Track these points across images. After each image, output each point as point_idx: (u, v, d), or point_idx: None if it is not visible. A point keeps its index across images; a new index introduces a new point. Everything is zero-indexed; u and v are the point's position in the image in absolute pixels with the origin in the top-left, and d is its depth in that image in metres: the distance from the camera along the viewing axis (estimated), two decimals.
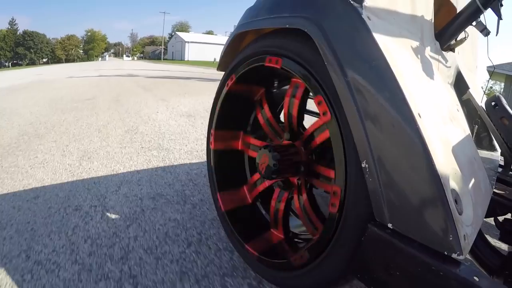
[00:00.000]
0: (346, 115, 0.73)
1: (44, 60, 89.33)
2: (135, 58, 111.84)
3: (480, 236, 1.00)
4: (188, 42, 73.12)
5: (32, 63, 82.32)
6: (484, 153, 1.24)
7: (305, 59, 0.86)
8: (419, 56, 0.88)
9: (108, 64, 34.75)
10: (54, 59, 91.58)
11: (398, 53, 0.76)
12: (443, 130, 0.76)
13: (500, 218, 1.03)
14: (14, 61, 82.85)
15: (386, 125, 0.67)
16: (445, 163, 0.67)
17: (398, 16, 0.89)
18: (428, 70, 0.88)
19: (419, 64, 0.86)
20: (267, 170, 0.98)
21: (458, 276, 0.58)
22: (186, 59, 69.06)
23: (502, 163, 1.16)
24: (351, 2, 0.75)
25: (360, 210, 0.74)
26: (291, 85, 1.08)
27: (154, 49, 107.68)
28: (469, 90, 1.12)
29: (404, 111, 0.65)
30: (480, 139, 1.19)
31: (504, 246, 1.29)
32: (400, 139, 0.66)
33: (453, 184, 0.67)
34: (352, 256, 0.77)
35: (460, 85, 1.30)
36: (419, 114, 0.66)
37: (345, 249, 0.78)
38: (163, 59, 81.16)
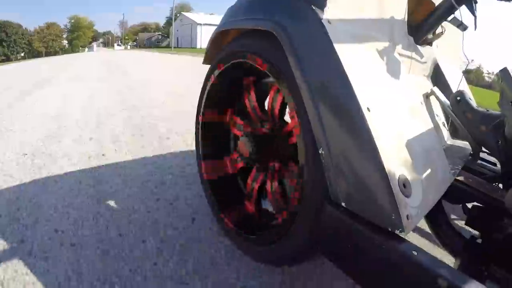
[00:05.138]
0: (305, 106, 1.01)
1: (22, 54, 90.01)
2: (128, 47, 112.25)
3: (445, 221, 1.27)
4: (200, 24, 64.80)
5: (7, 58, 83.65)
6: (457, 143, 1.49)
7: (274, 57, 1.16)
8: (383, 54, 1.13)
9: (92, 59, 22.37)
10: (33, 53, 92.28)
11: (355, 54, 1.02)
12: (396, 122, 1.01)
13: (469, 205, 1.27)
14: None
15: (337, 117, 0.93)
16: (393, 152, 0.92)
17: (364, 17, 1.16)
18: (391, 67, 1.14)
19: (380, 63, 1.11)
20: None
21: (398, 250, 0.83)
22: (198, 46, 60.83)
23: None
24: (313, 7, 1.02)
25: (318, 190, 1.02)
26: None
27: (149, 36, 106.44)
28: (433, 87, 1.35)
29: (353, 105, 0.91)
30: (456, 128, 1.43)
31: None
32: (349, 130, 0.91)
33: (402, 170, 0.92)
34: (312, 231, 1.06)
35: (437, 77, 1.58)
36: (368, 108, 0.91)
37: (306, 224, 1.07)
38: (162, 47, 78.36)
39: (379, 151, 0.86)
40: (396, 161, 0.90)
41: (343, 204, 0.95)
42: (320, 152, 0.98)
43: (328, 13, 1.02)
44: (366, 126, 0.88)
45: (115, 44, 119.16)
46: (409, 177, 0.92)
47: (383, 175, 0.85)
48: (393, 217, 0.84)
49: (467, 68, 1.73)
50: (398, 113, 1.05)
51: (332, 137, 0.94)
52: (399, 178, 0.88)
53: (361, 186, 0.90)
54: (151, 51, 43.61)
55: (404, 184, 0.89)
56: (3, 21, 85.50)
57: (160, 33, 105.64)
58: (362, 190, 0.90)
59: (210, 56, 1.66)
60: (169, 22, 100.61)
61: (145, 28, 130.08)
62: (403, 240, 0.85)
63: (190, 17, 70.73)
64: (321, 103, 0.96)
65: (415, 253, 0.81)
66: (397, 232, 0.85)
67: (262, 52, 1.21)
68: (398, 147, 0.95)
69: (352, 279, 1.01)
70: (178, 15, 67.10)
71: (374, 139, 0.87)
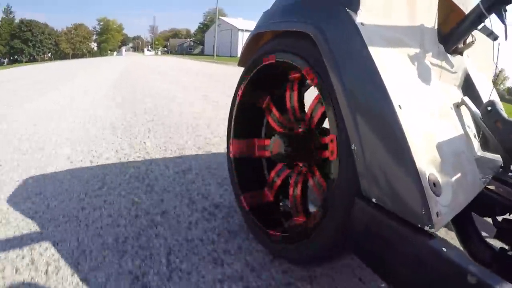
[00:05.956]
0: (339, 103, 1.09)
1: (49, 55, 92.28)
2: (159, 52, 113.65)
3: (475, 233, 1.32)
4: (241, 30, 62.42)
5: (33, 59, 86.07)
6: (488, 155, 1.52)
7: (310, 56, 1.26)
8: (413, 59, 1.22)
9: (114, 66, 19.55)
10: (60, 54, 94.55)
11: (387, 54, 1.10)
12: (426, 122, 1.08)
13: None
14: (13, 57, 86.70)
15: (370, 113, 1.01)
16: (424, 151, 0.98)
17: (395, 22, 1.26)
18: (421, 73, 1.21)
19: (410, 67, 1.19)
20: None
21: (428, 245, 0.88)
22: (239, 54, 54.17)
23: None
24: (347, 10, 1.13)
25: (350, 185, 1.09)
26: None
27: (181, 42, 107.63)
28: (463, 97, 1.42)
29: (385, 102, 0.98)
30: (487, 140, 1.47)
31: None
32: (381, 125, 0.99)
33: (432, 169, 0.97)
34: (342, 226, 1.12)
35: (468, 87, 1.64)
36: (399, 106, 0.98)
37: (336, 219, 1.13)
38: (194, 54, 77.49)
39: (410, 147, 0.92)
40: (426, 160, 0.96)
41: (373, 199, 1.01)
42: (352, 148, 1.05)
43: (362, 16, 1.12)
44: (398, 122, 0.94)
45: (145, 49, 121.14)
46: (439, 177, 0.97)
47: (414, 171, 0.90)
48: (423, 213, 0.88)
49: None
50: (428, 115, 1.12)
51: (364, 133, 1.01)
52: (429, 176, 0.92)
53: (392, 182, 0.96)
54: (189, 59, 41.14)
55: (434, 183, 0.93)
56: (29, 20, 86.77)
57: (192, 39, 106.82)
58: (392, 186, 0.96)
59: (244, 59, 1.80)
60: (202, 28, 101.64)
61: (175, 34, 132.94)
62: (432, 236, 0.89)
63: (230, 22, 69.00)
64: (354, 99, 1.04)
65: (444, 249, 0.84)
66: (426, 228, 0.89)
67: (297, 52, 1.32)
68: (428, 147, 1.01)
69: (380, 276, 1.06)
70: (215, 20, 62.77)
71: (405, 135, 0.93)
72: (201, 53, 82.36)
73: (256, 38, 1.67)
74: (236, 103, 1.80)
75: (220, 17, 71.25)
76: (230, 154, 1.82)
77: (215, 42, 53.69)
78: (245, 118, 1.84)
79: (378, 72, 1.00)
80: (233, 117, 1.83)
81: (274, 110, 1.76)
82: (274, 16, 1.50)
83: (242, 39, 58.69)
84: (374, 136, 0.99)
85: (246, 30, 60.04)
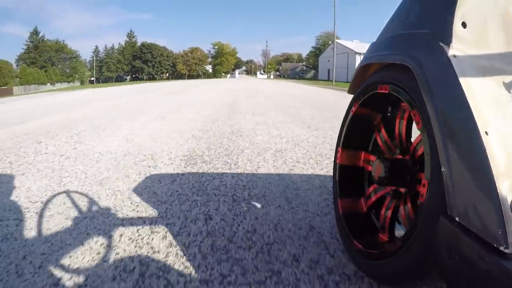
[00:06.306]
0: (432, 128, 1.21)
1: (167, 75, 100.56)
2: (271, 76, 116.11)
3: None
4: (359, 53, 59.15)
5: (152, 77, 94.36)
6: None
7: (408, 86, 1.41)
8: (509, 84, 1.23)
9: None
10: (176, 74, 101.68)
11: (478, 83, 1.17)
12: None
13: None
14: (134, 75, 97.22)
15: (457, 138, 1.11)
16: (508, 176, 1.03)
17: (490, 49, 1.30)
18: None
19: (504, 91, 1.21)
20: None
21: (500, 264, 0.95)
22: None
23: None
24: (440, 44, 1.25)
25: (437, 204, 1.19)
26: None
27: (293, 66, 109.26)
28: None
29: (472, 129, 1.06)
30: None
31: None
32: (467, 150, 1.08)
33: None
34: (428, 243, 1.21)
35: None
36: (486, 132, 1.05)
37: (423, 236, 1.23)
38: (307, 78, 75.92)
39: (493, 171, 0.97)
40: (508, 184, 0.99)
41: (456, 218, 1.07)
42: (442, 170, 1.13)
43: (454, 48, 1.22)
44: (482, 147, 1.00)
45: (258, 73, 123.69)
46: None
47: (495, 194, 0.96)
48: (499, 233, 0.93)
49: None
50: None
51: (453, 156, 1.09)
52: (511, 201, 0.96)
53: (474, 203, 1.02)
54: (304, 83, 38.34)
55: None
56: (150, 43, 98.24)
57: (304, 63, 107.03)
58: (474, 207, 1.02)
59: (354, 87, 1.97)
60: (314, 52, 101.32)
61: (287, 58, 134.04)
62: (505, 255, 0.93)
63: (346, 44, 65.44)
64: (444, 125, 1.13)
65: None
66: (501, 248, 0.92)
67: (399, 83, 1.46)
68: None
69: None
70: (330, 43, 59.45)
71: (489, 160, 0.98)
72: (314, 78, 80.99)
73: (364, 68, 1.84)
74: (337, 167, 2.01)
75: (336, 40, 60.53)
76: (339, 211, 1.94)
77: (334, 65, 47.53)
78: (347, 178, 2.02)
79: (466, 101, 1.08)
80: (337, 180, 2.03)
81: (371, 157, 1.92)
82: (378, 49, 1.67)
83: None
84: (461, 160, 1.07)
85: (364, 54, 52.96)
